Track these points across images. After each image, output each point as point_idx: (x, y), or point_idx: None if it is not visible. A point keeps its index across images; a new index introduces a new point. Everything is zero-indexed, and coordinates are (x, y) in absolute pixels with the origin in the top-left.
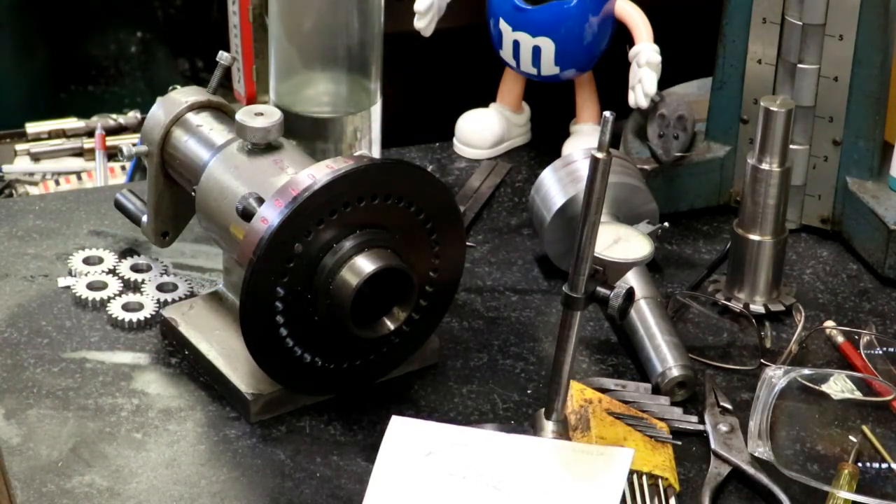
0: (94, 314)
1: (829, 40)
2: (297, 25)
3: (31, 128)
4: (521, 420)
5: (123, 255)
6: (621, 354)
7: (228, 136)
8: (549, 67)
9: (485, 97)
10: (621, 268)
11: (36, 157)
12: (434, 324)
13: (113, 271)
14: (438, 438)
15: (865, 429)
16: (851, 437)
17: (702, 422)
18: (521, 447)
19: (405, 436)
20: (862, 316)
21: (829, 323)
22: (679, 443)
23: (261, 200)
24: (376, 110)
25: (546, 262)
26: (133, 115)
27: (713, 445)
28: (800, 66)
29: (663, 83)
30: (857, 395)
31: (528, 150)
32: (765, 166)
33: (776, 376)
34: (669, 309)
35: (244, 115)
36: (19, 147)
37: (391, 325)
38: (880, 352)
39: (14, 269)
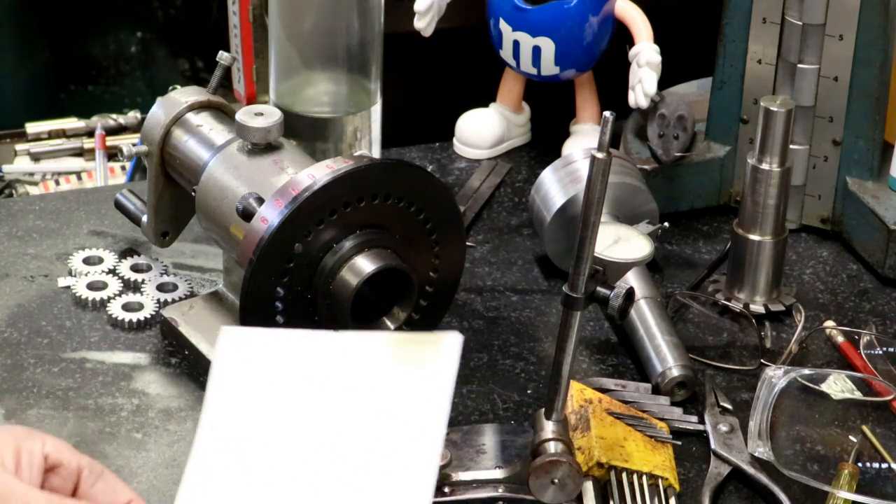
0: (94, 314)
1: (829, 40)
2: (297, 25)
3: (31, 128)
4: (521, 420)
5: (123, 255)
6: (621, 354)
7: (228, 136)
8: (549, 67)
9: (485, 97)
10: (621, 268)
11: (36, 157)
12: (434, 324)
13: (113, 271)
14: (272, 346)
15: (865, 429)
16: (851, 437)
17: (702, 422)
18: (354, 343)
19: (237, 346)
20: (862, 316)
21: (829, 323)
22: (679, 443)
23: (261, 200)
24: (376, 110)
25: (546, 262)
26: (133, 115)
27: (713, 445)
28: (800, 66)
29: (663, 83)
30: (857, 395)
31: (528, 150)
32: (765, 166)
33: (776, 376)
34: (669, 309)
35: (244, 115)
36: (19, 147)
37: (391, 325)
38: (880, 352)
39: (14, 269)
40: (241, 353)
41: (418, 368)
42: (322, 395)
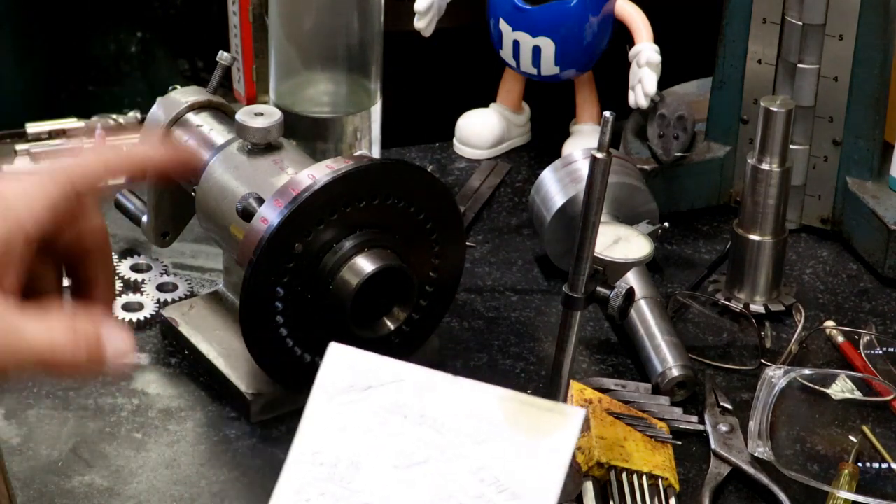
0: None
1: (829, 40)
2: (297, 25)
3: (31, 128)
4: None
5: (123, 255)
6: (621, 354)
7: (228, 136)
8: (549, 67)
9: (485, 97)
10: (621, 268)
11: (36, 157)
12: (434, 324)
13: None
14: (379, 372)
15: (865, 429)
16: (851, 437)
17: (702, 422)
18: (466, 391)
19: (344, 366)
20: (862, 316)
21: (829, 323)
22: (679, 443)
23: (261, 200)
24: (376, 110)
25: (546, 262)
26: (133, 115)
27: (713, 445)
28: (800, 66)
29: (663, 83)
30: (857, 395)
31: (528, 150)
32: (765, 166)
33: (776, 376)
34: (669, 309)
35: (244, 115)
36: (19, 147)
37: (391, 325)
38: (880, 352)
39: None
40: (346, 373)
41: (531, 438)
42: (425, 438)
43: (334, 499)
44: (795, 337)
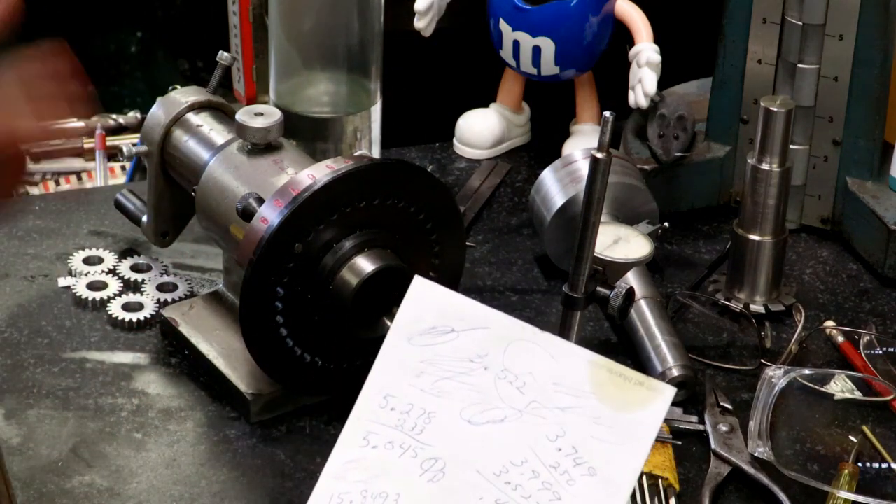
0: (94, 314)
1: (829, 40)
2: (297, 25)
3: None
4: None
5: (123, 255)
6: (621, 354)
7: (228, 136)
8: (549, 67)
9: (485, 97)
10: (621, 268)
11: (36, 157)
12: None
13: (113, 271)
14: (465, 315)
15: (865, 429)
16: (851, 437)
17: (702, 422)
18: (555, 349)
19: (428, 302)
20: (862, 316)
21: (829, 323)
22: (679, 443)
23: (261, 200)
24: (376, 110)
25: (546, 262)
26: (133, 115)
27: (713, 445)
28: (800, 66)
29: (663, 83)
30: (858, 395)
31: (528, 150)
32: (765, 166)
33: (776, 376)
34: (669, 309)
35: (244, 115)
36: None
37: (391, 325)
38: (880, 352)
39: (14, 269)
40: (428, 312)
41: (618, 412)
42: (507, 396)
43: (402, 450)
44: (795, 337)
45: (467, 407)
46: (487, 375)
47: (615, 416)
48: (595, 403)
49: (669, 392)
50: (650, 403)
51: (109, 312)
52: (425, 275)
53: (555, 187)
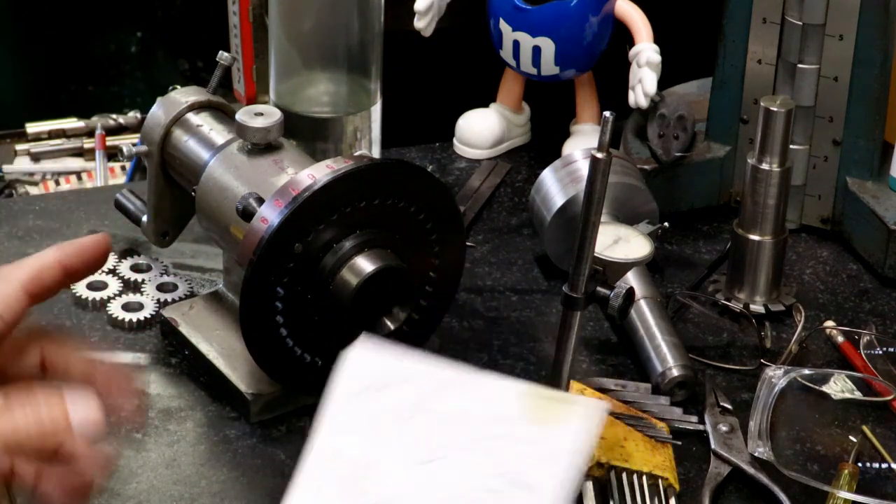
0: (94, 314)
1: (829, 40)
2: (297, 25)
3: (31, 128)
4: None
5: (123, 255)
6: (621, 354)
7: (228, 136)
8: (549, 67)
9: (485, 97)
10: (621, 268)
11: (36, 157)
12: (434, 324)
13: (113, 271)
14: (397, 370)
15: (865, 429)
16: (851, 437)
17: (702, 422)
18: (486, 386)
19: (361, 366)
20: (862, 316)
21: (829, 323)
22: (679, 443)
23: (261, 200)
24: (376, 110)
25: (546, 262)
26: (133, 115)
27: (713, 445)
28: (800, 66)
29: (663, 83)
30: (857, 395)
31: (528, 150)
32: (765, 166)
33: (776, 376)
34: (669, 309)
35: (244, 115)
36: (19, 147)
37: (391, 325)
38: (880, 352)
39: None
40: (363, 372)
41: (548, 431)
42: (439, 436)
43: (351, 499)
44: (795, 337)
45: (410, 451)
46: (425, 420)
47: (546, 435)
48: (527, 427)
49: (598, 406)
50: (579, 419)
51: (109, 312)
52: (425, 275)
53: (555, 187)
